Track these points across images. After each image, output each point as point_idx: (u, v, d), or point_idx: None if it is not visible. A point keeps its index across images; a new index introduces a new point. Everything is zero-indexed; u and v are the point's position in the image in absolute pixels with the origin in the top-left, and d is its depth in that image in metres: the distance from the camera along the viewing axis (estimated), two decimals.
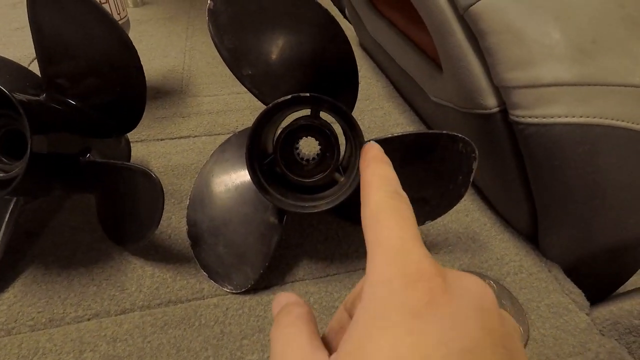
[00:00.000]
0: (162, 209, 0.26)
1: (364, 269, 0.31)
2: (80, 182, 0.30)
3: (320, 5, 0.28)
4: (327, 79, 0.30)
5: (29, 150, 0.24)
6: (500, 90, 0.24)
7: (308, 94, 0.25)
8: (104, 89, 0.31)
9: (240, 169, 0.31)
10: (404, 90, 0.51)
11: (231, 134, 0.35)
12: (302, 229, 0.33)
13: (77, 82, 0.30)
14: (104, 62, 0.30)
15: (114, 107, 0.31)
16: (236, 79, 0.27)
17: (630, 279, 0.34)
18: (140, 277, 0.29)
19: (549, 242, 0.29)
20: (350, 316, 0.17)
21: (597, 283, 0.32)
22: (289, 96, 0.25)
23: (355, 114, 0.27)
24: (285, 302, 0.17)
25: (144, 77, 0.30)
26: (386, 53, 0.51)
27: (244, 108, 0.49)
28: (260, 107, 0.29)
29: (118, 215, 0.30)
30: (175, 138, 0.44)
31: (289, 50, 0.28)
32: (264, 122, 0.26)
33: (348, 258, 0.31)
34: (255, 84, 0.27)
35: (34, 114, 0.26)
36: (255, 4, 0.26)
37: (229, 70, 0.27)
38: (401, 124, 0.47)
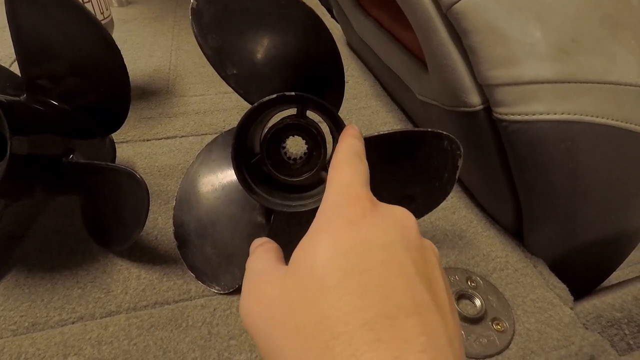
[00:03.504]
0: (148, 210, 0.26)
1: None
2: (63, 183, 0.30)
3: (304, 4, 0.28)
4: (313, 78, 0.30)
5: (8, 152, 0.24)
6: (483, 88, 0.25)
7: (294, 93, 0.25)
8: (86, 89, 0.30)
9: (227, 168, 0.31)
10: (391, 89, 0.51)
11: (218, 134, 0.35)
12: (290, 228, 0.33)
13: (58, 83, 0.29)
14: (86, 62, 0.29)
15: (98, 107, 0.31)
16: (221, 79, 0.27)
17: (614, 273, 0.35)
18: (126, 279, 0.29)
19: (534, 238, 0.29)
20: None
21: (582, 278, 0.32)
22: (274, 95, 0.25)
23: (342, 112, 0.27)
24: (260, 242, 0.21)
25: (128, 76, 0.30)
26: (373, 52, 0.52)
27: (231, 108, 0.49)
28: (247, 106, 0.29)
29: (103, 217, 0.29)
30: (161, 138, 0.44)
31: (274, 49, 0.28)
32: (249, 121, 0.26)
33: None
34: (240, 84, 0.27)
35: (13, 114, 0.25)
36: (239, 3, 0.26)
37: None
38: (388, 122, 0.48)
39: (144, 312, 0.27)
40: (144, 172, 0.39)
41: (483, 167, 0.30)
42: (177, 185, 0.37)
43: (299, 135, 0.28)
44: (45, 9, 0.28)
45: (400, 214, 0.16)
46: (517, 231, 0.32)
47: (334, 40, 0.29)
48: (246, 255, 0.28)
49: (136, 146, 0.42)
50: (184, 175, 0.32)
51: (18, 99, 0.29)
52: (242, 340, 0.25)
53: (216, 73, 0.27)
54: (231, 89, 0.28)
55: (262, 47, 0.27)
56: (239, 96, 0.28)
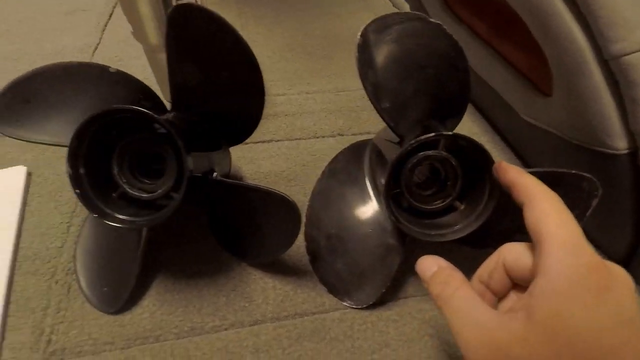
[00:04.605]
0: (298, 233, 0.28)
1: None
2: (203, 199, 0.31)
3: (450, 36, 0.29)
4: (444, 105, 0.31)
5: (186, 172, 0.26)
6: (635, 136, 0.26)
7: (451, 133, 0.26)
8: (226, 103, 0.31)
9: (352, 190, 0.33)
10: (478, 99, 0.51)
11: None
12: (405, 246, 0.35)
13: (201, 98, 0.30)
14: (227, 78, 0.30)
15: (233, 120, 0.32)
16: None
17: None
18: (263, 289, 0.31)
19: None
20: (489, 288, 0.22)
21: None
22: (432, 134, 0.26)
23: None
24: (435, 265, 0.22)
25: (264, 90, 0.31)
26: None
27: (318, 110, 0.50)
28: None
29: (244, 233, 0.31)
30: (258, 142, 0.45)
31: (419, 81, 0.29)
32: (404, 160, 0.27)
33: None
34: (392, 116, 0.28)
35: (181, 135, 0.27)
36: (398, 43, 0.27)
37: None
38: (475, 133, 0.48)
39: (287, 322, 0.29)
40: (252, 179, 0.40)
41: (607, 200, 0.31)
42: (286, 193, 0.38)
43: (432, 164, 0.30)
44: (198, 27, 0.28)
45: (624, 276, 0.17)
46: (623, 260, 0.33)
47: (469, 71, 0.30)
48: (378, 274, 0.30)
49: (237, 149, 0.43)
50: (311, 194, 0.34)
51: (168, 117, 0.30)
52: (382, 354, 0.28)
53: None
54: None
55: (412, 79, 0.28)
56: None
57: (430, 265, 0.22)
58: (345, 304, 0.30)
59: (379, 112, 0.27)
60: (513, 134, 0.44)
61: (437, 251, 0.34)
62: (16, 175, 0.37)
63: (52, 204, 0.36)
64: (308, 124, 0.48)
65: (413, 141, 0.26)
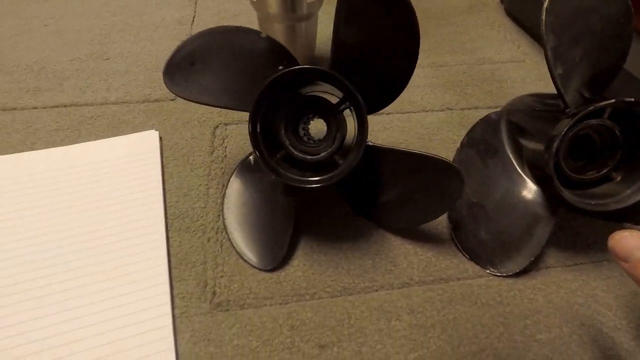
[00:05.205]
0: (458, 199, 0.28)
1: (609, 260, 0.32)
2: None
3: (627, 1, 0.28)
4: (599, 74, 0.30)
5: (365, 135, 0.26)
6: None
7: (632, 100, 0.25)
8: (382, 70, 0.31)
9: (493, 160, 0.33)
10: None
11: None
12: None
13: (361, 62, 0.30)
14: (390, 44, 0.29)
15: (383, 86, 0.32)
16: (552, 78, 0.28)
17: None
18: (405, 254, 0.32)
19: None
20: None
21: None
22: (612, 101, 0.25)
23: None
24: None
25: (417, 59, 0.30)
26: None
27: (422, 85, 0.49)
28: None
29: (392, 199, 0.31)
30: (370, 114, 0.45)
31: (586, 47, 0.28)
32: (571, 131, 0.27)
33: (590, 249, 0.33)
34: (562, 83, 0.27)
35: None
36: (577, 6, 0.26)
37: None
38: None
39: (435, 286, 0.30)
40: None
41: None
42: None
43: (588, 134, 0.29)
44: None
45: None
46: None
47: (631, 40, 0.29)
48: (526, 244, 0.30)
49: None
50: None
51: None
52: (535, 320, 0.28)
53: None
54: None
55: (580, 45, 0.27)
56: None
57: (637, 244, 0.19)
58: (488, 271, 0.31)
59: (553, 79, 0.27)
60: None
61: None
62: (150, 138, 0.39)
63: (187, 167, 0.38)
64: (415, 98, 0.47)
65: (592, 107, 0.26)
